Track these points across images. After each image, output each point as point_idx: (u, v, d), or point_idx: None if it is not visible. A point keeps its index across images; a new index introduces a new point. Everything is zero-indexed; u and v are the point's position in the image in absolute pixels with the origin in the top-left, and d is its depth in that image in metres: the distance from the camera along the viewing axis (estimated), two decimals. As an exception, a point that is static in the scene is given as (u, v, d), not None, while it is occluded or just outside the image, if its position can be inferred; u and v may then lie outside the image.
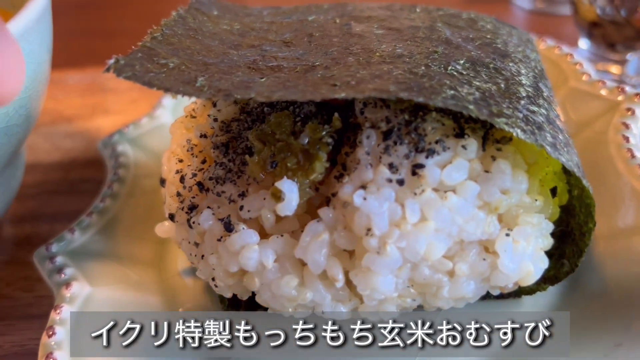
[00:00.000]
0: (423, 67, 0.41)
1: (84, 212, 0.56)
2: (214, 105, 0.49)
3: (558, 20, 1.02)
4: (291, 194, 0.41)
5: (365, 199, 0.39)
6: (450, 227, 0.40)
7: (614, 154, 0.52)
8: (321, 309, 0.43)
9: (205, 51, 0.46)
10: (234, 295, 0.47)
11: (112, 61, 0.40)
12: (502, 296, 0.46)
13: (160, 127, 0.65)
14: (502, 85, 0.42)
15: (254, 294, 0.46)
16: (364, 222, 0.40)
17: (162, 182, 0.50)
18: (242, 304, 0.48)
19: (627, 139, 0.52)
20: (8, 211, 0.60)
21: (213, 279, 0.45)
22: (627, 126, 0.53)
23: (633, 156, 0.51)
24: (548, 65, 0.60)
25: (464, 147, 0.40)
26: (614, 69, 0.77)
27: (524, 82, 0.44)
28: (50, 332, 0.44)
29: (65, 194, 0.69)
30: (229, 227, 0.43)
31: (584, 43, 0.80)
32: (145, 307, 0.49)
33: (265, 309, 0.47)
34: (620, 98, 0.56)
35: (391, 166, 0.40)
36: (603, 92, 0.58)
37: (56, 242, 0.51)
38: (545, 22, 1.03)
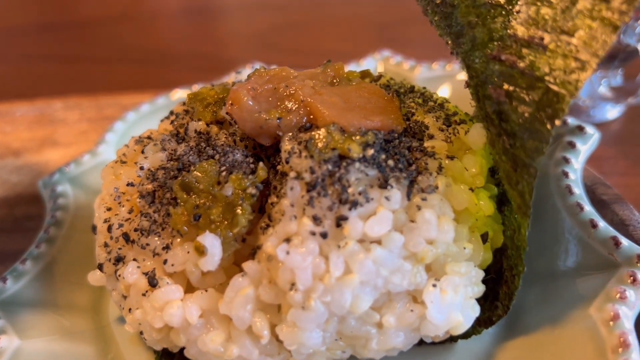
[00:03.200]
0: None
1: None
2: (142, 152, 0.48)
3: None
4: (213, 248, 0.40)
5: (288, 253, 0.38)
6: (376, 279, 0.39)
7: (553, 191, 0.51)
8: (250, 363, 0.42)
9: None
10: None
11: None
12: (436, 342, 0.45)
13: (102, 163, 0.63)
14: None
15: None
16: (288, 277, 0.39)
17: (94, 229, 0.49)
18: (176, 355, 0.47)
19: (565, 175, 0.51)
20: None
21: (141, 333, 0.44)
22: (567, 161, 0.53)
23: (571, 193, 0.50)
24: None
25: (386, 198, 0.39)
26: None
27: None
28: (-27, 393, 0.43)
29: (9, 231, 0.67)
30: (152, 282, 0.42)
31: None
32: (79, 357, 0.48)
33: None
34: (561, 130, 0.56)
35: (315, 218, 0.39)
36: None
37: (-14, 292, 0.50)
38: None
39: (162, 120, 0.52)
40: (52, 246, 0.55)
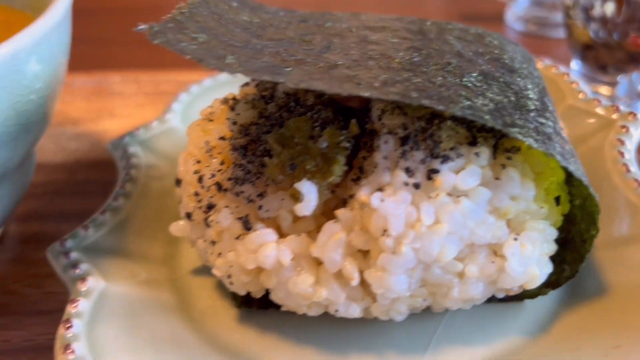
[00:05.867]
0: (440, 78, 0.43)
1: (91, 211, 0.57)
2: (232, 109, 0.50)
3: (549, 43, 1.05)
4: (310, 194, 0.43)
5: (382, 200, 0.41)
6: (462, 231, 0.42)
7: (610, 168, 0.54)
8: (335, 307, 0.45)
9: (230, 35, 0.47)
10: (247, 294, 0.48)
11: (144, 26, 0.41)
12: (505, 299, 0.48)
13: (170, 130, 0.66)
14: (513, 98, 0.45)
15: (267, 292, 0.48)
16: (381, 223, 0.41)
17: (178, 182, 0.52)
18: (255, 302, 0.50)
19: (622, 154, 0.55)
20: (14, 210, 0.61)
21: (229, 277, 0.47)
22: (622, 142, 0.56)
23: (628, 170, 0.53)
24: (546, 83, 0.63)
25: (476, 154, 0.42)
26: (605, 90, 0.81)
27: (531, 96, 0.47)
28: (68, 325, 0.45)
29: (71, 194, 0.70)
30: (247, 226, 0.45)
31: (576, 64, 0.84)
32: (158, 304, 0.51)
33: (278, 307, 0.48)
34: (614, 116, 0.59)
35: (408, 170, 0.42)
36: (599, 110, 0.61)
37: (70, 238, 0.52)
38: (538, 44, 1.06)
39: (242, 86, 0.55)
40: (128, 201, 0.57)
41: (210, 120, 0.52)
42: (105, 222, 0.55)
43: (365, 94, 0.39)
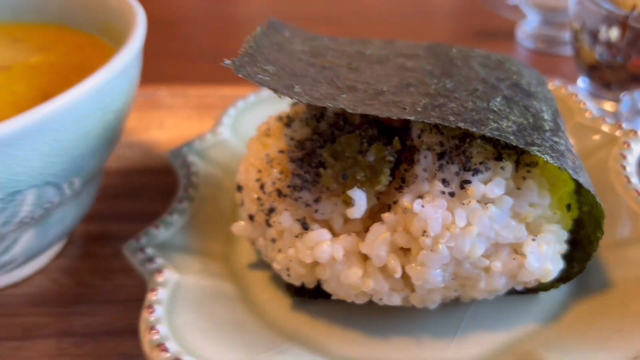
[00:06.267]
0: (470, 103, 0.52)
1: (146, 212, 0.66)
2: (288, 126, 0.58)
3: (558, 60, 1.13)
4: (361, 201, 0.51)
5: (423, 206, 0.49)
6: (489, 232, 0.50)
7: (613, 179, 0.62)
8: (379, 296, 0.53)
9: (291, 64, 0.55)
10: (301, 285, 0.56)
11: (228, 62, 0.49)
12: (523, 292, 0.56)
13: (221, 142, 0.74)
14: (531, 120, 0.53)
15: (317, 283, 0.56)
16: (421, 225, 0.49)
17: (239, 188, 0.60)
18: (307, 292, 0.58)
19: (624, 167, 0.63)
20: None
21: (287, 269, 0.55)
22: (624, 157, 0.64)
23: (629, 182, 0.61)
24: (557, 102, 0.71)
25: (502, 168, 0.50)
26: (609, 106, 0.89)
27: (546, 117, 0.55)
28: (150, 310, 0.53)
29: (127, 197, 0.78)
30: (305, 226, 0.53)
31: (582, 82, 0.92)
32: (222, 294, 0.59)
33: (326, 297, 0.56)
34: (617, 133, 0.67)
35: (444, 181, 0.50)
36: (604, 127, 0.69)
37: (144, 236, 0.60)
38: (547, 61, 1.15)
39: (292, 105, 0.63)
40: (191, 204, 0.65)
41: (268, 136, 0.60)
42: (173, 222, 0.63)
43: (412, 117, 0.47)
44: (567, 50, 1.13)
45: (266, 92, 0.82)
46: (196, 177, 0.68)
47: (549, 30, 1.16)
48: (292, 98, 0.49)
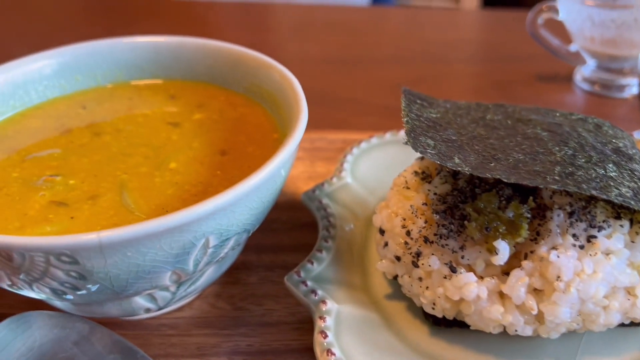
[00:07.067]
0: (592, 171, 0.63)
1: (281, 244, 0.79)
2: (429, 182, 0.70)
3: (614, 102, 1.25)
4: (504, 250, 0.62)
5: (558, 256, 0.61)
6: (610, 278, 0.61)
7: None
8: (514, 328, 0.64)
9: (439, 134, 0.67)
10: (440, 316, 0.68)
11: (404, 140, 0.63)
12: (629, 325, 0.67)
13: (345, 185, 0.86)
14: (639, 184, 0.64)
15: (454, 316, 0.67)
16: (556, 272, 0.61)
17: (382, 232, 0.71)
18: (443, 322, 0.69)
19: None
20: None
21: (433, 304, 0.66)
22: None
23: None
24: None
25: (621, 225, 0.62)
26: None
27: (649, 180, 0.66)
28: (324, 335, 0.64)
29: (261, 230, 0.89)
30: (453, 270, 0.64)
31: (645, 128, 1.03)
32: (369, 321, 0.70)
33: (459, 326, 0.67)
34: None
35: (574, 236, 0.61)
36: (682, 180, 0.80)
37: (302, 270, 0.72)
38: (602, 103, 1.26)
39: (418, 159, 0.75)
40: (333, 241, 0.77)
41: (407, 188, 0.71)
42: (323, 258, 0.74)
43: (555, 186, 0.59)
44: (622, 93, 1.25)
45: (375, 140, 0.93)
46: (333, 218, 0.80)
47: (604, 75, 1.27)
48: (455, 169, 0.61)
